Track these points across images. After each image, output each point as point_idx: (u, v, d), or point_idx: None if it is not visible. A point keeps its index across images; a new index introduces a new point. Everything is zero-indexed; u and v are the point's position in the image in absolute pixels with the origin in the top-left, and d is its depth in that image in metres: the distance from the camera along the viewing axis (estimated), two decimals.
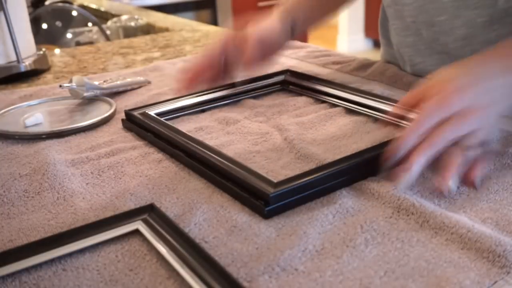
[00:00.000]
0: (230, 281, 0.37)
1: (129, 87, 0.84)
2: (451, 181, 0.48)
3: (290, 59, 1.00)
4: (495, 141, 0.57)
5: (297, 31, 0.79)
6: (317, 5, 0.83)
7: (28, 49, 0.99)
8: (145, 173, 0.56)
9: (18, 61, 0.94)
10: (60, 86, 0.76)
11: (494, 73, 0.54)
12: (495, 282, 0.37)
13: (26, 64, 0.96)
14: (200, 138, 0.62)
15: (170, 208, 0.48)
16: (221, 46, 0.73)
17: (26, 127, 0.69)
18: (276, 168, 0.55)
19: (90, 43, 1.53)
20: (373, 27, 4.55)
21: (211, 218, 0.47)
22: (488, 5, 0.67)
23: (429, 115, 0.50)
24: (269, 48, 0.74)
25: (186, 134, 0.60)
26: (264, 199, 0.46)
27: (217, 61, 0.73)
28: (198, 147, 0.56)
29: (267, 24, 0.75)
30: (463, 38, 0.71)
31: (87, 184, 0.55)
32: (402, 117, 0.57)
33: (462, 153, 0.49)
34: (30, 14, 1.37)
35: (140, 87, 0.86)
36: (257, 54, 0.71)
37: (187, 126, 0.68)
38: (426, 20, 0.74)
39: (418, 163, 0.48)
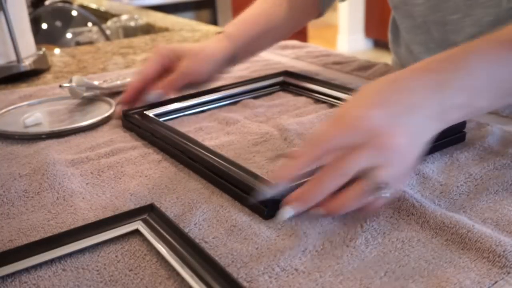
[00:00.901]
0: (230, 281, 0.37)
1: None
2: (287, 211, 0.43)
3: (290, 59, 1.00)
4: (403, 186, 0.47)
5: (238, 59, 0.78)
6: (262, 33, 0.80)
7: (27, 49, 0.99)
8: (145, 173, 0.56)
9: (18, 61, 0.94)
10: (60, 86, 0.76)
11: (418, 91, 0.45)
12: (496, 282, 0.37)
13: (26, 64, 0.95)
14: (200, 139, 0.62)
15: (170, 208, 0.48)
16: (155, 64, 0.72)
17: (26, 127, 0.69)
18: (276, 168, 0.55)
19: (90, 43, 1.53)
20: (373, 27, 4.55)
21: (211, 218, 0.47)
22: (494, 5, 0.68)
23: (328, 141, 0.43)
24: (197, 77, 0.72)
25: (183, 134, 0.60)
26: (262, 200, 0.46)
27: (152, 79, 0.72)
28: (196, 147, 0.56)
29: (207, 50, 0.73)
30: (472, 37, 0.71)
31: (87, 184, 0.54)
32: None
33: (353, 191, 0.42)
34: (30, 14, 1.37)
35: None
36: (179, 84, 0.71)
37: (186, 126, 0.68)
38: (438, 19, 0.75)
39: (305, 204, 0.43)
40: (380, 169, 0.42)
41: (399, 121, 0.43)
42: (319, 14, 0.88)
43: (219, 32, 0.77)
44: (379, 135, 0.42)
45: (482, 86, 0.47)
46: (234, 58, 0.76)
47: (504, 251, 0.39)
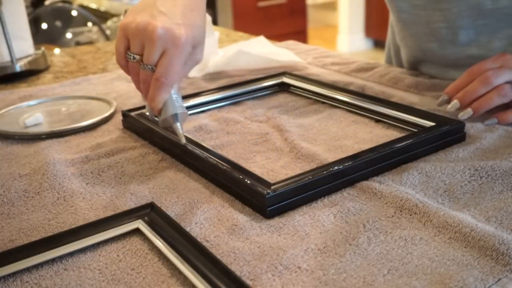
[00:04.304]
0: (233, 279, 0.36)
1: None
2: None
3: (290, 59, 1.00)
4: None
5: None
6: None
7: (25, 49, 0.98)
8: (145, 172, 0.56)
9: (12, 61, 0.94)
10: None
11: None
12: (499, 279, 0.37)
13: (21, 64, 0.95)
14: (200, 138, 0.62)
15: (170, 208, 0.48)
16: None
17: (26, 127, 0.69)
18: (277, 168, 0.55)
19: (90, 43, 1.53)
20: (373, 27, 4.55)
21: (212, 217, 0.46)
22: None
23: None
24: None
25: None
26: (261, 200, 0.46)
27: None
28: (196, 147, 0.56)
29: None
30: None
31: (87, 184, 0.54)
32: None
33: None
34: (30, 14, 1.37)
35: None
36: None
37: (187, 126, 0.68)
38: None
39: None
40: None
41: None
42: None
43: None
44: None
45: None
46: None
47: (507, 249, 0.39)
